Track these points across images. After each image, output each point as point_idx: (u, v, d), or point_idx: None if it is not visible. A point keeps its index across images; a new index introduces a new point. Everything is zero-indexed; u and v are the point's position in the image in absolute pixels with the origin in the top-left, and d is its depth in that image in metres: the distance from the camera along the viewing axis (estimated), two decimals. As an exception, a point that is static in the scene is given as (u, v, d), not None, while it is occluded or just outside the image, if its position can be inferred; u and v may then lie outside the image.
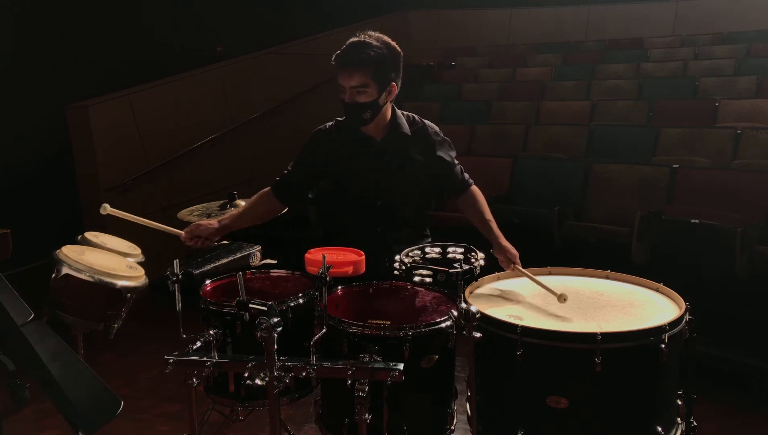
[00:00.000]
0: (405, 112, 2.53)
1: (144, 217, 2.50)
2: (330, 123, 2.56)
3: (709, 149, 5.10)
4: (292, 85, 7.32)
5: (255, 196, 2.60)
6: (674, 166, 4.69)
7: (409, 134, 2.48)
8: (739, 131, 5.08)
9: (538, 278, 2.29)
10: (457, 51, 9.49)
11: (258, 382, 1.83)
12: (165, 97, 6.12)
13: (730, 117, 5.59)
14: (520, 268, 2.34)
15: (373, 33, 2.38)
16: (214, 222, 2.48)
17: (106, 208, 2.44)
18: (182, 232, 2.47)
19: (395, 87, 2.39)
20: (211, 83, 6.61)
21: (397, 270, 2.03)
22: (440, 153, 2.53)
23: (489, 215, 2.52)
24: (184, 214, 2.70)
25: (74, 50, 5.81)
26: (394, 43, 2.39)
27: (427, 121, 2.57)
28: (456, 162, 2.57)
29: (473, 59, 9.20)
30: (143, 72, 6.09)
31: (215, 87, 6.64)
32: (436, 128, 2.56)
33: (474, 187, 2.59)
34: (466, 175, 2.59)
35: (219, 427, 2.56)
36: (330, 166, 2.50)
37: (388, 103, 2.42)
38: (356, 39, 2.36)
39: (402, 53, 2.41)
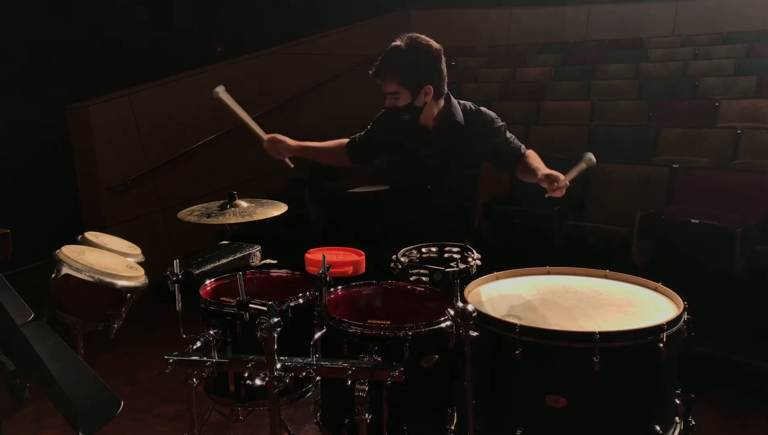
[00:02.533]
0: (461, 101, 2.60)
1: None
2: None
3: (709, 149, 5.10)
4: (292, 85, 7.32)
5: (334, 141, 2.83)
6: (674, 166, 4.69)
7: (462, 123, 2.54)
8: (739, 131, 5.07)
9: (537, 278, 2.30)
10: (457, 51, 9.48)
11: (258, 382, 1.83)
12: (165, 97, 6.11)
13: (730, 117, 5.59)
14: (566, 179, 2.47)
15: (410, 35, 2.44)
16: (291, 142, 2.78)
17: (219, 93, 2.74)
18: (265, 138, 2.84)
19: (431, 89, 2.45)
20: (211, 83, 6.58)
21: (394, 269, 2.04)
22: (494, 138, 2.59)
23: (543, 169, 2.58)
24: (184, 214, 2.70)
25: (74, 50, 5.81)
26: (427, 44, 2.44)
27: (483, 109, 2.62)
28: (509, 137, 2.63)
29: (473, 59, 9.19)
30: (143, 72, 6.09)
31: (215, 87, 6.62)
32: (493, 114, 2.62)
33: (529, 152, 2.68)
34: (518, 145, 2.65)
35: (219, 427, 2.57)
36: (390, 146, 2.63)
37: (430, 101, 2.48)
38: (391, 45, 2.44)
39: (440, 50, 2.46)
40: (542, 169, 2.51)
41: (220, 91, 2.63)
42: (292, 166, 2.86)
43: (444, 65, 2.49)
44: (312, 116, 7.29)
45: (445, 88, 2.52)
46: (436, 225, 2.48)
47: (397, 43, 2.44)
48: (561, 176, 2.45)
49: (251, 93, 6.90)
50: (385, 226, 2.75)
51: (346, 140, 2.78)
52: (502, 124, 2.63)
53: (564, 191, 2.43)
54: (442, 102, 2.54)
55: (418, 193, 2.59)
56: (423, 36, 2.45)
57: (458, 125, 2.53)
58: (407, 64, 2.40)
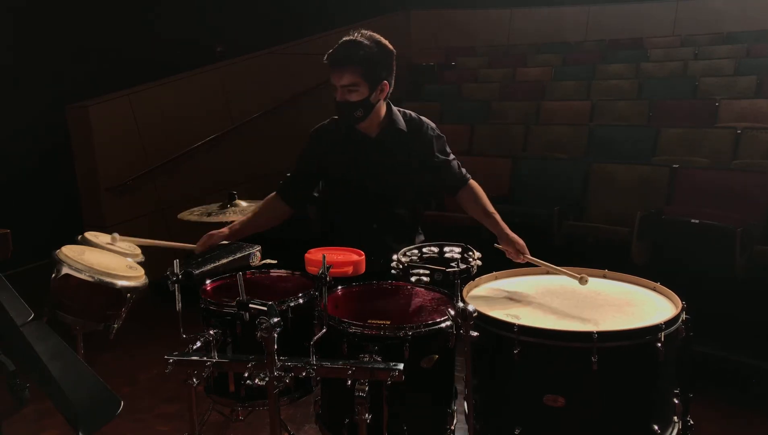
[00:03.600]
0: (401, 109, 2.55)
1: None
2: (326, 121, 2.57)
3: (709, 149, 5.10)
4: (292, 85, 7.32)
5: (263, 202, 2.63)
6: (674, 166, 4.70)
7: (405, 130, 2.49)
8: (739, 131, 5.08)
9: (536, 277, 2.30)
10: (457, 51, 9.49)
11: (258, 382, 1.83)
12: (165, 97, 6.12)
13: (730, 117, 5.59)
14: (530, 256, 2.36)
15: (365, 32, 2.39)
16: (224, 230, 2.49)
17: (116, 238, 2.51)
18: (195, 246, 2.49)
19: (387, 85, 2.40)
20: (211, 83, 6.62)
21: (395, 269, 2.04)
22: (437, 149, 2.54)
23: (491, 208, 2.53)
24: (184, 214, 2.71)
25: (74, 50, 5.81)
26: (386, 42, 2.40)
27: (423, 118, 2.58)
28: (452, 157, 2.58)
29: (473, 59, 9.20)
30: (143, 72, 6.09)
31: (215, 87, 6.64)
32: (432, 124, 2.58)
33: (472, 182, 2.61)
34: (464, 170, 2.60)
35: (219, 427, 2.57)
36: (327, 164, 2.52)
37: (381, 101, 2.43)
38: (347, 38, 2.37)
39: (394, 52, 2.42)
40: (506, 229, 2.44)
41: (117, 237, 2.54)
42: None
43: (395, 69, 2.43)
44: (312, 116, 7.27)
45: (390, 92, 2.45)
46: (382, 234, 2.45)
47: (354, 36, 2.36)
48: (526, 251, 2.39)
49: (251, 93, 6.92)
50: (334, 235, 2.58)
51: (273, 193, 2.61)
52: (443, 136, 2.58)
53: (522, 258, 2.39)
54: (384, 108, 2.48)
55: (362, 204, 2.50)
56: (378, 35, 2.41)
57: (401, 132, 2.48)
58: (369, 56, 2.33)
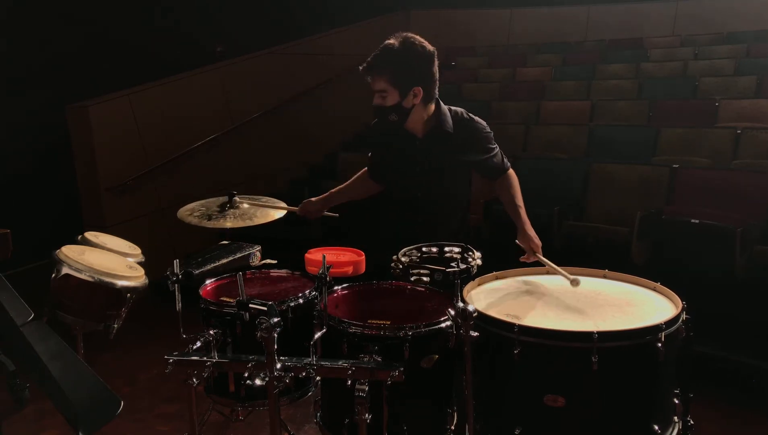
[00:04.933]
0: (452, 108, 2.57)
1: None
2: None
3: (709, 149, 5.10)
4: (292, 85, 7.33)
5: (356, 175, 2.81)
6: (674, 166, 4.70)
7: (451, 131, 2.51)
8: (739, 131, 5.08)
9: (536, 277, 2.30)
10: (457, 51, 9.49)
11: (258, 382, 1.83)
12: (165, 97, 6.12)
13: (730, 117, 5.59)
14: (542, 257, 2.39)
15: (405, 35, 2.41)
16: (321, 198, 2.76)
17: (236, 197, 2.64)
18: (297, 208, 2.74)
19: (420, 91, 2.41)
20: (211, 83, 6.62)
21: (394, 269, 2.04)
22: (482, 148, 2.58)
23: (520, 201, 2.60)
24: (184, 214, 2.70)
25: (74, 50, 5.81)
26: (421, 45, 2.41)
27: (474, 117, 2.60)
28: (495, 150, 2.63)
29: (473, 59, 9.20)
30: (143, 72, 6.09)
31: (215, 87, 6.64)
32: (483, 123, 2.61)
33: (511, 172, 2.69)
34: (506, 160, 2.68)
35: (219, 427, 2.57)
36: (382, 151, 2.63)
37: (419, 104, 2.44)
38: (384, 43, 2.41)
39: (433, 52, 2.43)
40: (527, 225, 2.52)
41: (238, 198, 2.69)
42: (336, 215, 2.85)
43: (436, 69, 2.45)
44: (312, 116, 7.30)
45: (436, 92, 2.48)
46: (428, 231, 2.44)
47: (391, 41, 2.40)
48: (540, 251, 2.44)
49: (251, 93, 6.92)
50: (377, 230, 2.71)
51: (364, 169, 2.78)
52: (490, 132, 2.62)
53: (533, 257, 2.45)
54: (432, 107, 2.50)
55: (408, 200, 2.56)
56: (418, 37, 2.43)
57: (447, 134, 2.50)
58: (398, 62, 2.36)
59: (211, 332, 2.06)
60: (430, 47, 2.42)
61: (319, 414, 2.13)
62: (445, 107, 2.54)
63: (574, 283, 2.23)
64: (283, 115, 7.16)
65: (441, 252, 2.09)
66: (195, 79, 6.46)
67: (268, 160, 6.84)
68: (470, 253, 2.05)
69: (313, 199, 2.77)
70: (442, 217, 2.56)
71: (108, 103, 5.69)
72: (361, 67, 2.42)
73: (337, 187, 2.81)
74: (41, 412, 3.53)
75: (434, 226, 2.51)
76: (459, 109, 2.58)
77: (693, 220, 4.00)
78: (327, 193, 2.79)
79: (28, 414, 3.56)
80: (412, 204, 2.55)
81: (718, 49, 7.53)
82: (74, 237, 2.60)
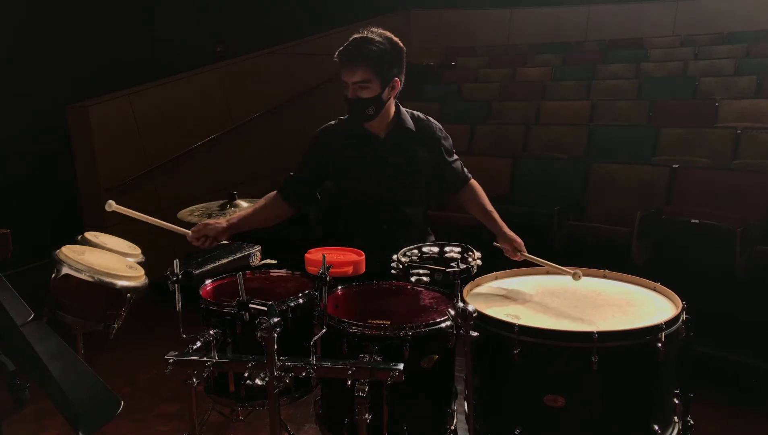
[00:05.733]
0: (408, 110, 2.55)
1: (144, 214, 2.50)
2: (333, 121, 2.57)
3: (709, 149, 5.10)
4: (292, 85, 7.32)
5: (263, 199, 2.59)
6: (674, 166, 4.70)
7: (413, 129, 2.49)
8: (739, 131, 5.08)
9: (535, 277, 2.30)
10: (457, 51, 9.49)
11: (258, 382, 1.83)
12: (165, 97, 6.12)
13: (730, 117, 5.59)
14: (527, 254, 2.39)
15: (375, 29, 2.40)
16: (222, 221, 2.47)
17: (112, 205, 2.43)
18: (189, 232, 2.45)
19: (398, 82, 2.41)
20: (211, 83, 6.62)
21: (395, 269, 2.04)
22: (444, 148, 2.56)
23: (490, 207, 2.58)
24: (184, 213, 2.70)
25: (74, 50, 5.81)
26: (396, 39, 2.40)
27: (430, 118, 2.59)
28: (456, 157, 2.62)
29: (473, 59, 9.20)
30: (143, 72, 6.09)
31: (215, 87, 6.64)
32: (439, 125, 2.59)
33: (473, 181, 2.65)
34: (466, 170, 2.64)
35: (219, 427, 2.57)
36: (335, 164, 2.51)
37: (392, 99, 2.44)
38: (358, 35, 2.38)
39: (405, 49, 2.42)
40: (504, 228, 2.49)
41: (113, 204, 2.43)
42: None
43: (405, 67, 2.44)
44: (312, 116, 7.28)
45: (399, 91, 2.46)
46: (392, 234, 2.45)
47: (364, 34, 2.37)
48: (524, 248, 2.44)
49: (251, 93, 6.92)
50: (344, 235, 2.53)
51: (275, 191, 2.57)
52: (448, 136, 2.60)
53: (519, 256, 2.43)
54: (393, 107, 2.48)
55: (372, 201, 2.50)
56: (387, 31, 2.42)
57: (409, 132, 2.48)
58: (381, 52, 2.33)
59: (211, 332, 2.05)
60: (402, 43, 2.42)
61: (319, 414, 2.13)
62: (403, 109, 2.52)
63: (576, 276, 2.23)
64: (283, 115, 7.16)
65: (441, 252, 2.09)
66: (195, 79, 6.46)
67: (268, 160, 6.83)
68: (470, 253, 2.05)
69: (211, 221, 2.47)
70: (405, 217, 2.51)
71: (108, 103, 5.69)
72: (338, 56, 2.35)
73: (240, 214, 2.55)
74: (41, 412, 3.53)
75: (398, 229, 2.48)
76: (415, 111, 2.57)
77: (693, 220, 4.00)
78: (233, 217, 2.51)
79: (28, 414, 3.56)
80: (376, 206, 2.49)
81: (718, 49, 7.53)
82: (74, 237, 2.60)
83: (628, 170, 4.82)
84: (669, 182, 4.63)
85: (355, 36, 2.37)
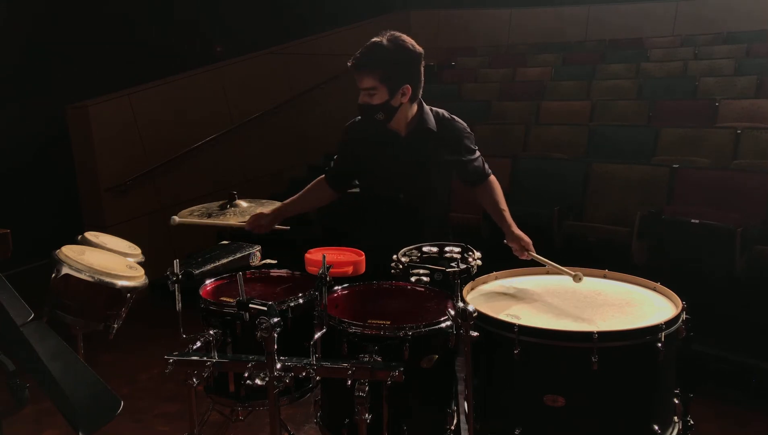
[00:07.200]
0: (433, 108, 2.57)
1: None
2: (359, 117, 2.58)
3: (709, 149, 5.10)
4: (292, 85, 7.33)
5: (311, 184, 2.73)
6: (674, 166, 4.70)
7: (435, 130, 2.50)
8: (739, 131, 5.08)
9: (535, 277, 2.30)
10: (457, 51, 9.49)
11: (258, 382, 1.83)
12: (165, 97, 6.12)
13: (730, 117, 5.59)
14: (535, 254, 2.40)
15: (393, 33, 2.41)
16: (268, 210, 2.62)
17: (175, 220, 2.59)
18: (245, 224, 2.60)
19: (409, 89, 2.41)
20: (211, 83, 6.62)
21: (394, 269, 2.04)
22: (465, 148, 2.58)
23: (504, 205, 2.60)
24: (184, 213, 2.70)
25: (74, 50, 5.82)
26: (410, 44, 2.40)
27: (455, 117, 2.60)
28: (477, 154, 2.63)
29: (473, 59, 9.20)
30: (143, 72, 6.09)
31: (215, 87, 6.64)
32: (464, 124, 2.61)
33: (492, 177, 2.68)
34: (487, 166, 2.67)
35: (219, 427, 2.57)
36: (361, 158, 2.57)
37: (406, 103, 2.44)
38: (372, 41, 2.39)
39: (421, 53, 2.42)
40: (513, 227, 2.51)
41: (176, 219, 2.61)
42: (287, 228, 2.72)
43: (422, 69, 2.45)
44: (312, 116, 7.30)
45: (420, 93, 2.47)
46: (411, 231, 2.42)
47: (379, 39, 2.38)
48: (531, 248, 2.45)
49: (251, 93, 6.92)
50: (360, 232, 2.64)
51: (321, 176, 2.71)
52: (471, 133, 2.62)
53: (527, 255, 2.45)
54: (415, 107, 2.50)
55: (391, 200, 2.53)
56: (406, 36, 2.42)
57: (430, 132, 2.49)
58: (389, 60, 2.35)
59: (211, 332, 2.05)
60: (418, 48, 2.42)
61: (319, 414, 2.13)
62: (427, 107, 2.54)
63: (577, 278, 2.24)
64: (283, 115, 7.17)
65: (441, 252, 2.08)
66: (195, 79, 6.46)
67: (268, 160, 6.84)
68: (470, 253, 2.05)
69: (264, 211, 2.65)
70: (424, 216, 2.53)
71: (108, 103, 5.69)
72: (349, 63, 2.39)
73: (290, 199, 2.71)
74: (41, 412, 3.53)
75: (417, 227, 2.48)
76: (440, 110, 2.58)
77: (693, 220, 4.00)
78: (280, 205, 2.68)
79: (28, 414, 3.56)
80: (395, 203, 2.52)
81: (718, 49, 7.53)
82: (74, 237, 2.60)
83: (628, 170, 4.82)
84: (669, 182, 4.63)
85: (369, 42, 2.40)
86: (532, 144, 5.93)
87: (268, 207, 2.68)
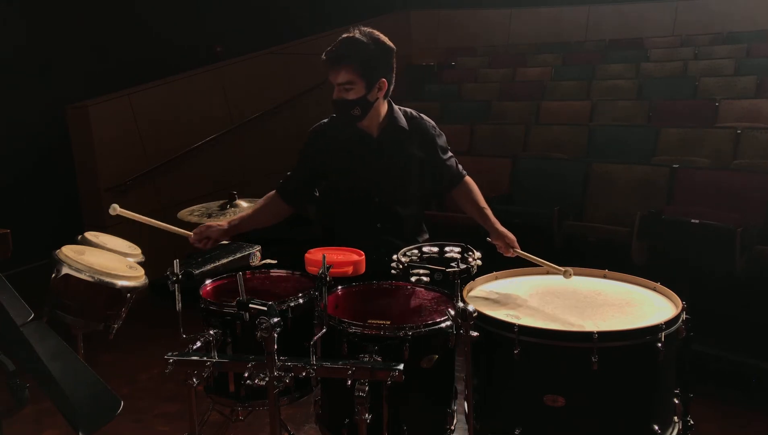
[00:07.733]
0: (401, 108, 2.54)
1: (148, 217, 2.51)
2: (326, 120, 2.56)
3: (709, 149, 5.10)
4: (292, 85, 7.32)
5: (262, 199, 2.62)
6: (674, 166, 4.70)
7: (407, 128, 2.48)
8: (739, 131, 5.08)
9: (535, 278, 2.30)
10: (457, 51, 9.49)
11: (258, 382, 1.83)
12: (165, 97, 6.12)
13: (730, 117, 5.59)
14: (520, 250, 2.39)
15: (364, 29, 2.38)
16: (223, 223, 2.49)
17: (116, 209, 2.48)
18: (191, 234, 2.49)
19: (385, 83, 2.39)
20: (211, 83, 6.62)
21: (395, 269, 2.04)
22: (437, 146, 2.55)
23: (484, 203, 2.56)
24: (184, 214, 2.70)
25: (74, 50, 5.81)
26: (384, 39, 2.39)
27: (423, 116, 2.58)
28: (450, 154, 2.60)
29: (473, 59, 9.20)
30: (143, 72, 6.09)
31: (215, 87, 6.64)
32: (432, 122, 2.58)
33: (468, 178, 2.63)
34: (460, 167, 2.63)
35: (219, 427, 2.57)
36: (328, 163, 2.51)
37: (381, 99, 2.42)
38: (345, 36, 2.36)
39: (394, 48, 2.41)
40: (497, 224, 2.48)
41: (117, 208, 2.49)
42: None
43: (395, 65, 2.42)
44: (312, 116, 7.28)
45: (392, 89, 2.44)
46: (386, 233, 2.44)
47: (351, 34, 2.35)
48: (516, 245, 2.43)
49: (251, 93, 6.92)
50: (332, 235, 2.57)
51: (273, 191, 2.59)
52: (442, 133, 2.59)
53: (512, 252, 2.44)
54: (386, 106, 2.47)
55: (365, 203, 2.48)
56: (376, 31, 2.40)
57: (402, 131, 2.47)
58: (366, 53, 2.32)
59: (211, 332, 2.05)
60: (390, 43, 2.40)
61: (319, 414, 2.13)
62: (396, 106, 2.51)
63: (566, 274, 2.24)
64: (283, 115, 7.16)
65: (441, 252, 2.09)
66: (195, 79, 6.46)
67: (268, 160, 6.83)
68: (470, 253, 2.05)
69: (213, 224, 2.48)
70: (399, 217, 2.50)
71: (108, 103, 5.69)
72: (324, 57, 2.35)
73: (241, 214, 2.57)
74: (41, 412, 3.53)
75: (391, 228, 2.46)
76: (408, 109, 2.55)
77: (693, 220, 4.00)
78: (235, 218, 2.53)
79: (28, 414, 3.56)
80: (369, 205, 2.48)
81: (718, 49, 7.53)
82: (74, 237, 2.60)
83: (628, 170, 4.82)
84: (669, 182, 4.63)
85: (342, 36, 2.36)
86: (532, 144, 5.93)
87: (218, 219, 2.56)
